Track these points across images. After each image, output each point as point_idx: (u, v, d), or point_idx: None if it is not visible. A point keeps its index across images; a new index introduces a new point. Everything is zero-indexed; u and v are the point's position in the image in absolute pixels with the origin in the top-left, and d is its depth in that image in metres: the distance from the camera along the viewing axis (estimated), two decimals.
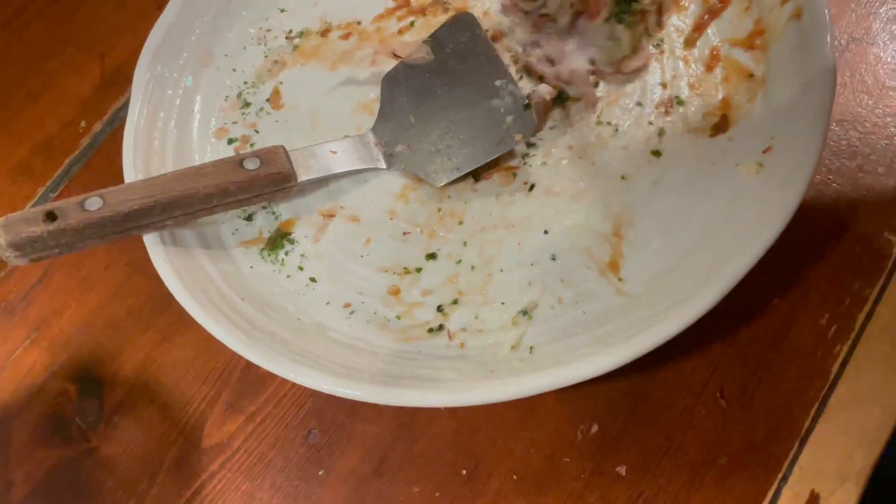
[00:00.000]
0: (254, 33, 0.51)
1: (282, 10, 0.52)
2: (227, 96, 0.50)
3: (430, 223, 0.44)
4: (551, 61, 0.44)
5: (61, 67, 0.56)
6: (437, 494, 0.39)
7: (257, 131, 0.48)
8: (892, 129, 0.43)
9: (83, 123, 0.53)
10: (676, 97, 0.43)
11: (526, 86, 0.46)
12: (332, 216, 0.45)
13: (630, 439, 0.39)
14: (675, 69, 0.44)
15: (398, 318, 0.41)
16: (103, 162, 0.52)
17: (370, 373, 0.37)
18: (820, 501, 0.36)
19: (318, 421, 0.42)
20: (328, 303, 0.42)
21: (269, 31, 0.51)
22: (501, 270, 0.41)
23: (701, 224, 0.39)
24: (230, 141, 0.48)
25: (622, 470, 0.38)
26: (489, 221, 0.43)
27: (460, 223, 0.43)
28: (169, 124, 0.47)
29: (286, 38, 0.51)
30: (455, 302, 0.41)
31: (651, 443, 0.38)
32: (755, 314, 0.40)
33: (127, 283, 0.47)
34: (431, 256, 0.43)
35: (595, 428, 0.39)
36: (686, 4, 0.45)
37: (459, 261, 0.42)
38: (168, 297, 0.40)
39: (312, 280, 0.43)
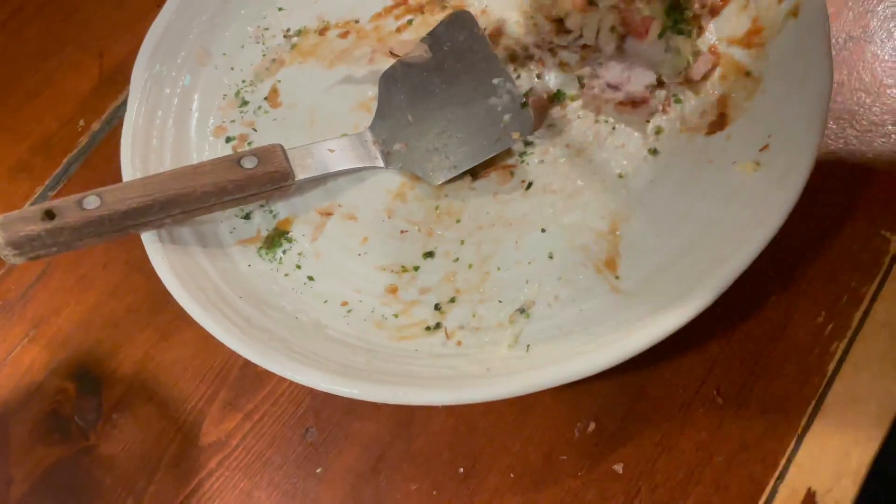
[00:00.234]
0: (252, 32, 0.51)
1: (280, 9, 0.52)
2: (225, 95, 0.50)
3: (428, 221, 0.44)
4: (614, 87, 0.43)
5: (60, 66, 0.56)
6: (434, 492, 0.39)
7: (255, 130, 0.48)
8: (890, 127, 0.43)
9: (82, 122, 0.54)
10: (674, 95, 0.43)
11: (523, 84, 0.46)
12: (329, 214, 0.45)
13: (627, 437, 0.39)
14: None
15: (395, 316, 0.41)
16: (102, 160, 0.52)
17: (368, 371, 0.37)
18: (817, 499, 0.36)
19: (315, 419, 0.42)
20: (326, 301, 0.42)
21: (267, 29, 0.51)
22: (499, 268, 0.41)
23: (698, 222, 0.39)
24: (228, 139, 0.48)
25: (619, 467, 0.38)
26: (487, 220, 0.43)
27: (458, 221, 0.43)
28: (167, 123, 0.48)
29: (284, 36, 0.51)
30: (452, 300, 0.41)
31: (648, 440, 0.38)
32: (752, 312, 0.40)
33: (125, 282, 0.47)
34: (429, 255, 0.43)
35: (592, 426, 0.39)
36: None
37: (457, 259, 0.42)
38: (166, 295, 0.40)
39: (310, 278, 0.43)
